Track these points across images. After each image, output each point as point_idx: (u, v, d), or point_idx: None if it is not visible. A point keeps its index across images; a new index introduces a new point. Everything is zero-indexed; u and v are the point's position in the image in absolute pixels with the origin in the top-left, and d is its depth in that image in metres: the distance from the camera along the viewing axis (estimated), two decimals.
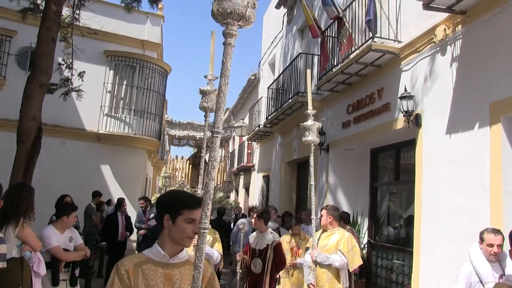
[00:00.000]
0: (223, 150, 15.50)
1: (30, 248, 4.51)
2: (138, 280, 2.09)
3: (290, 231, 7.14)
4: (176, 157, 15.05)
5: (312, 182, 5.20)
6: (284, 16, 14.86)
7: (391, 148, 8.56)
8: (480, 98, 5.26)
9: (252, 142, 18.53)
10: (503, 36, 5.05)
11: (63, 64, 11.05)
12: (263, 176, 16.73)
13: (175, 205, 2.19)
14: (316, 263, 5.25)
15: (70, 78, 11.12)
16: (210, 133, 1.85)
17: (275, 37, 15.95)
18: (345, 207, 9.45)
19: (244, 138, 18.61)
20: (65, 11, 11.08)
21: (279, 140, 13.99)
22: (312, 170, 5.19)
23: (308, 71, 5.72)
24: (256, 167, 18.06)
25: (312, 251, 5.29)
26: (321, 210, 5.53)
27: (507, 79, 4.91)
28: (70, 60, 11.14)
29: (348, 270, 5.25)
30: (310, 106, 5.19)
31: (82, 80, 11.16)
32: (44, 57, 8.17)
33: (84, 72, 11.24)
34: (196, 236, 5.02)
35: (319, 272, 5.27)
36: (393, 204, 8.89)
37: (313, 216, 5.26)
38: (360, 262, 5.22)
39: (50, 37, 8.32)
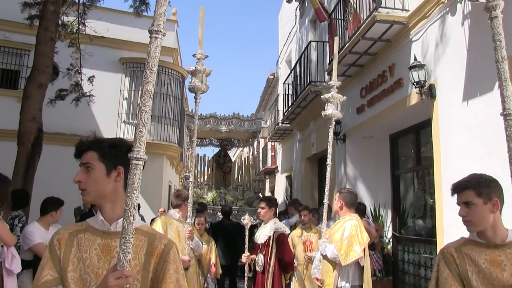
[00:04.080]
0: (250, 148, 14.96)
1: (2, 243, 4.18)
2: (71, 252, 1.63)
3: (300, 223, 6.57)
4: (198, 154, 14.49)
5: (329, 162, 4.66)
6: (296, 10, 14.36)
7: (410, 131, 7.88)
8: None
9: (275, 144, 18.00)
10: None
11: (72, 69, 10.89)
12: (286, 177, 16.17)
13: None
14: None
15: (80, 83, 11.00)
16: (148, 33, 1.47)
17: (290, 33, 15.46)
18: (366, 200, 8.77)
19: (267, 140, 18.13)
20: (73, 17, 11.07)
21: (298, 137, 13.41)
22: (330, 148, 4.68)
23: (336, 38, 5.20)
24: (279, 168, 17.50)
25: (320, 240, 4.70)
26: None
27: None
28: (79, 65, 11.03)
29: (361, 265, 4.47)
30: (334, 77, 4.68)
31: (92, 85, 11.03)
32: (42, 57, 8.02)
33: (93, 76, 11.10)
34: (188, 227, 4.59)
35: (323, 264, 4.63)
36: (417, 192, 8.14)
37: (325, 201, 4.70)
38: (357, 255, 4.17)
39: (48, 37, 8.18)
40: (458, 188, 2.14)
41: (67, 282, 1.58)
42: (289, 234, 6.50)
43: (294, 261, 6.13)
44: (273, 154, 19.09)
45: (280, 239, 5.01)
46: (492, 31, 1.84)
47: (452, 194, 2.18)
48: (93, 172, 1.69)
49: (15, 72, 13.30)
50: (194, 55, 4.35)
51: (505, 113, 1.80)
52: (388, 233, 8.44)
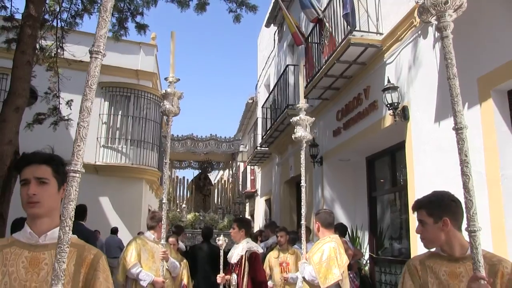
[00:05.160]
0: (229, 170, 14.86)
1: None
2: None
3: (277, 245, 6.54)
4: (177, 177, 14.33)
5: (303, 183, 4.68)
6: (275, 34, 14.58)
7: (386, 153, 7.97)
8: (467, 75, 4.69)
9: (254, 168, 17.98)
10: (485, 3, 4.54)
11: (50, 93, 10.80)
12: (265, 200, 16.14)
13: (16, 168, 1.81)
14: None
15: (58, 107, 10.91)
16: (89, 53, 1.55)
17: (268, 57, 15.66)
18: (343, 221, 8.75)
19: (246, 164, 18.12)
20: (51, 41, 11.02)
21: (277, 160, 13.44)
22: (303, 170, 4.70)
23: (302, 61, 5.29)
24: (259, 192, 17.45)
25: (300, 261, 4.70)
26: None
27: (493, 48, 4.37)
28: (57, 89, 10.95)
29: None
30: (301, 99, 4.77)
31: (71, 109, 10.91)
32: (19, 81, 7.95)
33: (72, 100, 10.98)
34: (162, 249, 4.50)
35: (304, 286, 4.61)
36: (393, 213, 8.19)
37: (303, 222, 4.69)
38: (336, 278, 4.14)
39: (26, 60, 8.09)
40: (415, 207, 2.25)
41: None
42: (265, 255, 6.48)
43: (271, 282, 6.13)
44: (252, 178, 19.05)
45: (252, 258, 5.02)
46: (443, 50, 1.91)
47: (413, 212, 2.29)
48: (47, 186, 1.75)
49: None
50: (166, 79, 4.42)
51: (456, 127, 1.85)
52: (366, 254, 8.43)
